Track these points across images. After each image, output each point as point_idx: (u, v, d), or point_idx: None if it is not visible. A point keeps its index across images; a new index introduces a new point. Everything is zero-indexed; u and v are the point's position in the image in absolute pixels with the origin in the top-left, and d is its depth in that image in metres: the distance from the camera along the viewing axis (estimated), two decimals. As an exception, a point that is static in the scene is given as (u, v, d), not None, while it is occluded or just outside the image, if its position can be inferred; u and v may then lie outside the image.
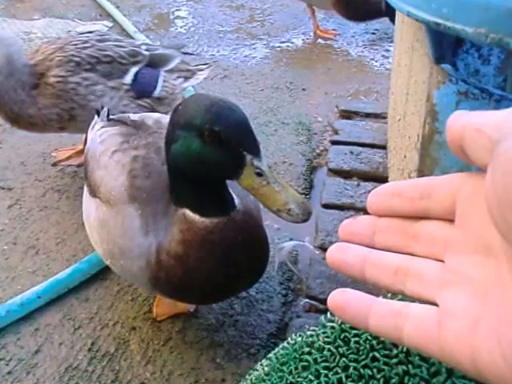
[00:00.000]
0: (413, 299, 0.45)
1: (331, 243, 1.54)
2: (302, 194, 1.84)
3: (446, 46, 0.88)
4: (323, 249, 1.59)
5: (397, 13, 1.62)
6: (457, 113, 0.41)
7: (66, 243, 1.73)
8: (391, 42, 2.72)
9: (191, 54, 2.30)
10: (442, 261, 0.43)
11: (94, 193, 1.25)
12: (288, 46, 2.98)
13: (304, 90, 2.49)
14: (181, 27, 3.36)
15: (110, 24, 3.39)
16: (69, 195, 1.95)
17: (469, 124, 0.40)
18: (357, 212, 1.69)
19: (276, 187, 0.96)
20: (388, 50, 2.79)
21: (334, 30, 3.09)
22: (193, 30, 3.29)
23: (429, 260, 0.44)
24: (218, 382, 1.27)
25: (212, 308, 1.48)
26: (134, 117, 1.38)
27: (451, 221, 0.43)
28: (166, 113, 1.62)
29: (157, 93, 1.86)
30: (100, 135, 1.31)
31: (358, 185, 1.77)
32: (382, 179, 1.78)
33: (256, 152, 0.97)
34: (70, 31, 3.37)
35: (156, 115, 1.38)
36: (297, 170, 1.94)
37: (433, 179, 0.45)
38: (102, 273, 1.59)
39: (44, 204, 1.91)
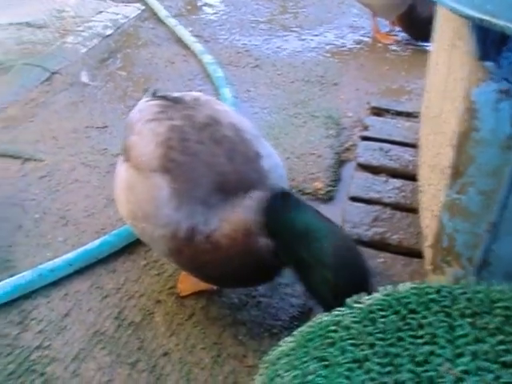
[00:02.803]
0: None
1: (357, 235, 1.62)
2: (329, 186, 1.92)
3: (489, 44, 0.95)
4: (348, 240, 1.67)
5: (438, 11, 1.69)
6: None
7: (95, 217, 1.82)
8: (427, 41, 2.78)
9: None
10: None
11: (126, 158, 1.34)
12: (320, 40, 3.05)
13: (335, 84, 2.57)
14: (212, 14, 3.45)
15: (143, 7, 3.49)
16: (99, 171, 2.04)
17: None
18: (383, 207, 1.76)
19: None
20: (423, 50, 2.85)
21: (392, 35, 3.08)
22: (225, 18, 3.38)
23: None
24: (239, 358, 1.35)
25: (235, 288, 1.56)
26: (175, 94, 1.46)
27: None
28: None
29: None
30: (139, 105, 1.41)
31: (386, 181, 1.84)
32: (411, 177, 1.85)
33: None
34: (101, 12, 3.47)
35: (196, 93, 1.46)
36: (325, 162, 2.02)
37: None
38: (129, 247, 1.68)
39: (74, 178, 2.00)
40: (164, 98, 1.45)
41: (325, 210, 1.71)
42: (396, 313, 0.95)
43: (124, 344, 1.39)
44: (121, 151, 1.43)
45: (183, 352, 1.38)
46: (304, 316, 1.47)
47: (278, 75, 2.68)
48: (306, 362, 0.94)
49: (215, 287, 1.55)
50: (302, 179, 1.94)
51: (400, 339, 0.91)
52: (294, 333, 1.01)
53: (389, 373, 0.86)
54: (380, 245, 1.64)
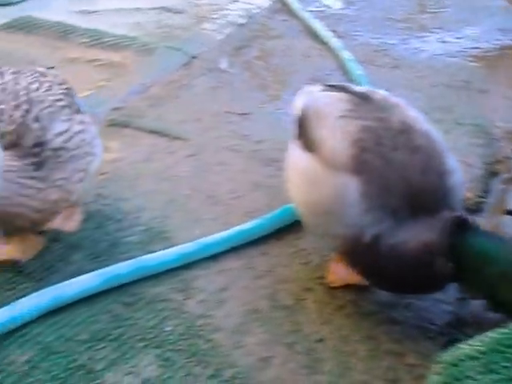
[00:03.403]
0: None
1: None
2: (479, 197, 1.89)
3: None
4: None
5: None
6: None
7: (242, 199, 1.89)
8: None
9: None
10: None
11: (309, 148, 1.39)
12: (464, 43, 2.99)
13: (482, 91, 2.52)
14: (344, 9, 3.45)
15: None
16: (243, 155, 2.12)
17: None
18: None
19: None
20: None
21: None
22: (357, 14, 3.38)
23: None
24: (397, 355, 1.37)
25: (385, 286, 1.58)
26: (357, 88, 1.50)
27: None
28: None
29: None
30: (325, 97, 1.45)
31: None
32: None
33: None
34: (235, 1, 3.56)
35: (383, 92, 1.48)
36: (474, 171, 2.00)
37: None
38: (278, 232, 1.73)
39: (219, 160, 2.08)
40: (343, 89, 1.48)
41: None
42: None
43: (279, 325, 1.44)
44: (296, 137, 1.49)
45: (337, 341, 1.41)
46: (459, 324, 1.47)
47: (418, 78, 2.67)
48: (506, 367, 0.96)
49: (366, 283, 1.58)
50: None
51: None
52: (482, 338, 1.03)
53: None
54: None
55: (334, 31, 3.09)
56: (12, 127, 1.38)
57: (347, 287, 1.56)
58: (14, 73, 1.52)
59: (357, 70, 2.62)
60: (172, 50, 2.83)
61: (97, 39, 2.96)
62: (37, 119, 1.42)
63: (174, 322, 1.40)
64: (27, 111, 1.42)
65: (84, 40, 2.95)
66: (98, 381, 1.24)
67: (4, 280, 1.48)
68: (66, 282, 1.43)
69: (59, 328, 1.35)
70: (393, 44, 3.00)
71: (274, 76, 2.71)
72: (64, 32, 3.01)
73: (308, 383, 1.30)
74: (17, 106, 1.41)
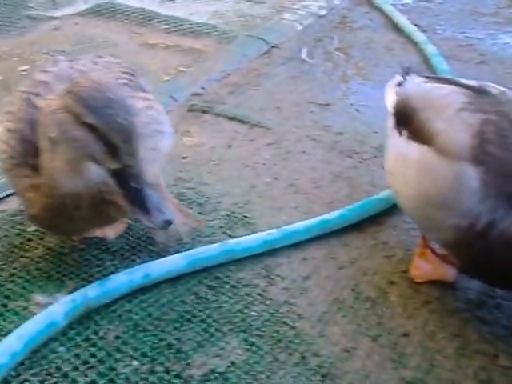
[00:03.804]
0: None
1: None
2: None
3: None
4: None
5: None
6: None
7: (323, 189, 1.88)
8: None
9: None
10: None
11: (420, 139, 1.37)
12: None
13: None
14: (428, 3, 3.39)
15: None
16: (324, 146, 2.11)
17: None
18: None
19: None
20: None
21: None
22: (443, 8, 3.32)
23: None
24: (489, 355, 1.34)
25: (471, 284, 1.54)
26: (467, 81, 1.47)
27: None
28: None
29: None
30: (437, 88, 1.43)
31: None
32: None
33: None
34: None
35: (498, 87, 1.45)
36: None
37: None
38: (359, 224, 1.72)
39: (300, 149, 2.08)
40: (448, 81, 1.47)
41: None
42: None
43: (363, 316, 1.43)
44: (395, 124, 1.48)
45: (423, 336, 1.39)
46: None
47: (508, 74, 2.59)
48: None
49: (451, 279, 1.55)
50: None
51: None
52: None
53: None
54: None
55: (417, 25, 3.04)
56: None
57: (432, 283, 1.54)
58: (70, 60, 1.51)
59: (441, 64, 2.56)
60: (252, 38, 2.85)
61: (177, 26, 3.01)
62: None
63: (258, 307, 1.41)
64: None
65: (164, 26, 3.01)
66: (186, 361, 1.26)
67: (92, 257, 1.53)
68: (155, 261, 1.45)
69: (147, 307, 1.38)
70: (479, 39, 2.93)
71: (356, 68, 2.68)
72: (144, 18, 3.07)
73: (393, 377, 1.28)
74: None
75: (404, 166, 1.41)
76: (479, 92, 1.40)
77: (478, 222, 1.23)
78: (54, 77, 1.39)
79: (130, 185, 1.16)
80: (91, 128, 1.15)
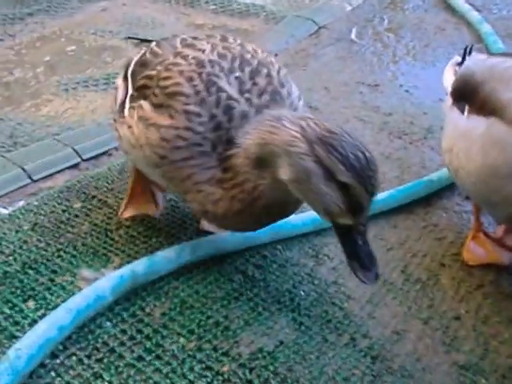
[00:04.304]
0: None
1: None
2: None
3: None
4: None
5: None
6: None
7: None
8: None
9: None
10: None
11: (485, 112, 1.32)
12: None
13: None
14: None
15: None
16: (372, 127, 2.07)
17: None
18: None
19: None
20: None
21: None
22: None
23: None
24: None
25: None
26: None
27: None
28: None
29: None
30: (502, 62, 1.38)
31: None
32: None
33: None
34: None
35: None
36: None
37: None
38: (409, 206, 1.67)
39: (348, 130, 2.01)
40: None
41: None
42: None
43: (413, 299, 1.39)
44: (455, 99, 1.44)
45: (476, 321, 1.34)
46: None
47: None
48: None
49: (506, 263, 1.49)
50: None
51: None
52: None
53: None
54: None
55: (471, 4, 2.94)
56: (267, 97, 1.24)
57: (485, 266, 1.49)
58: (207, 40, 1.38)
59: (497, 44, 2.47)
60: (300, 19, 2.80)
61: (224, 6, 2.98)
62: (282, 84, 1.29)
63: (306, 287, 1.39)
64: (269, 76, 1.28)
65: (211, 7, 2.98)
66: (234, 339, 1.24)
67: (138, 234, 1.52)
68: (203, 238, 1.44)
69: (194, 284, 1.37)
70: None
71: (406, 49, 2.61)
72: (191, -1, 3.06)
73: (446, 361, 1.24)
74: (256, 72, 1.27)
75: (467, 140, 1.36)
76: None
77: None
78: (218, 55, 1.29)
79: (354, 240, 1.14)
80: (342, 185, 1.09)
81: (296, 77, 2.35)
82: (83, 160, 1.82)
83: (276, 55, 2.52)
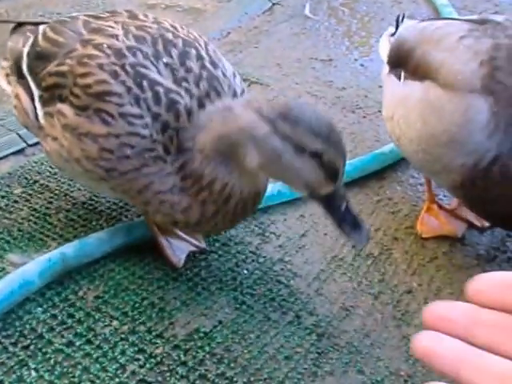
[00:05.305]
0: None
1: None
2: None
3: None
4: None
5: None
6: None
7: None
8: None
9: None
10: None
11: (420, 76, 1.26)
12: None
13: None
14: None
15: None
16: (325, 101, 2.00)
17: None
18: None
19: None
20: None
21: None
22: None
23: None
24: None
25: (481, 239, 1.45)
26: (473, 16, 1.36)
27: None
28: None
29: None
30: (432, 24, 1.32)
31: None
32: None
33: None
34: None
35: (502, 16, 1.33)
36: None
37: None
38: (362, 180, 1.62)
39: (300, 105, 1.97)
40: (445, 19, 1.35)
41: None
42: None
43: (364, 274, 1.33)
44: (392, 66, 1.37)
45: (428, 293, 1.29)
46: None
47: (522, 24, 2.45)
48: None
49: (460, 235, 1.45)
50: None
51: None
52: None
53: None
54: None
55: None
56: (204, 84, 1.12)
57: (439, 238, 1.44)
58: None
59: (451, 15, 2.42)
60: (253, -4, 2.72)
61: (177, -14, 2.88)
62: (215, 64, 1.16)
63: (250, 265, 1.32)
64: (200, 57, 1.15)
65: (164, -13, 2.88)
66: (169, 320, 1.17)
67: (78, 217, 1.44)
68: (136, 220, 1.37)
69: (130, 266, 1.29)
70: (494, -11, 2.77)
71: (361, 23, 2.56)
72: (143, -21, 2.95)
73: (395, 335, 1.19)
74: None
75: (405, 107, 1.30)
76: (482, 22, 1.27)
77: (484, 158, 1.11)
78: (135, 39, 1.13)
79: (339, 206, 1.09)
80: (314, 154, 1.03)
81: (248, 54, 2.29)
82: (28, 145, 1.72)
83: (229, 33, 2.46)
